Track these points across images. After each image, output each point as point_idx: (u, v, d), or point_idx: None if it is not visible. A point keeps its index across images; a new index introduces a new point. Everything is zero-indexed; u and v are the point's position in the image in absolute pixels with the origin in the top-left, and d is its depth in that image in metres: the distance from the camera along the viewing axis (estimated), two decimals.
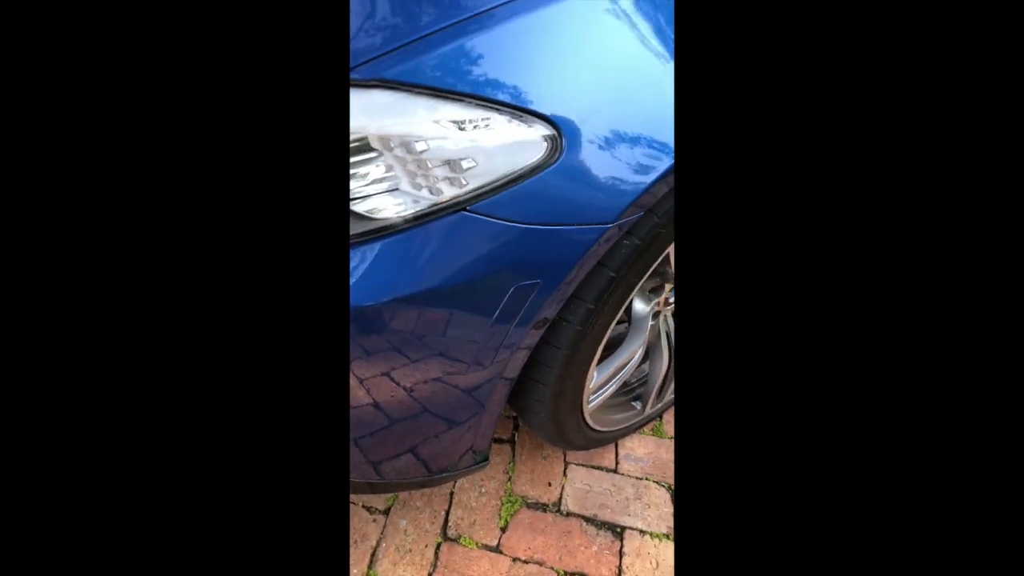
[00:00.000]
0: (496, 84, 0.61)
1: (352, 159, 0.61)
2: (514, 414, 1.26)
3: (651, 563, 1.05)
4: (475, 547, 1.07)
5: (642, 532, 1.09)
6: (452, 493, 1.15)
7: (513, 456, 1.22)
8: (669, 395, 1.20)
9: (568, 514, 1.12)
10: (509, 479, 1.18)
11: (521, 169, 0.62)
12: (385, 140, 0.61)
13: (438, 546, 1.07)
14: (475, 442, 0.89)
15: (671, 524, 1.10)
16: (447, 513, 1.12)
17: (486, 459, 0.95)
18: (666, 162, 0.66)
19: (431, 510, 1.12)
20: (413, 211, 0.63)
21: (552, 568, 1.04)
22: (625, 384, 1.13)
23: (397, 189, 0.63)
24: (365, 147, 0.61)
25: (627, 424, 1.16)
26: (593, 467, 1.20)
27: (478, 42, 0.62)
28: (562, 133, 0.62)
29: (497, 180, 0.62)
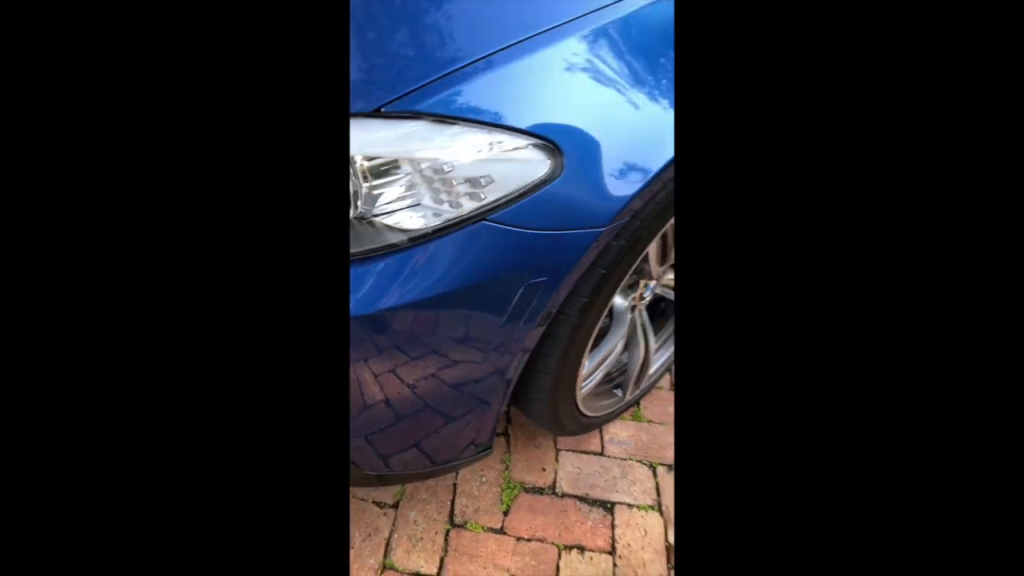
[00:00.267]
0: (508, 113, 0.73)
1: (385, 180, 0.72)
2: (505, 409, 1.36)
3: (640, 532, 1.17)
4: (481, 531, 1.17)
5: (630, 506, 1.22)
6: (455, 484, 1.24)
7: (508, 447, 1.32)
8: (645, 382, 1.34)
9: (563, 495, 1.23)
10: (507, 468, 1.28)
11: (531, 183, 0.74)
12: (415, 162, 0.71)
13: (447, 533, 1.16)
14: (476, 437, 1.00)
15: (655, 497, 1.23)
16: (452, 502, 1.21)
17: (490, 448, 1.06)
18: (644, 178, 0.80)
19: (437, 501, 1.21)
20: (436, 223, 0.73)
21: (553, 543, 1.15)
22: (608, 374, 1.26)
23: (419, 204, 0.73)
24: (394, 167, 0.71)
25: (611, 410, 1.29)
26: (582, 452, 1.32)
27: (489, 80, 0.73)
28: (563, 153, 0.75)
29: (510, 193, 0.74)
